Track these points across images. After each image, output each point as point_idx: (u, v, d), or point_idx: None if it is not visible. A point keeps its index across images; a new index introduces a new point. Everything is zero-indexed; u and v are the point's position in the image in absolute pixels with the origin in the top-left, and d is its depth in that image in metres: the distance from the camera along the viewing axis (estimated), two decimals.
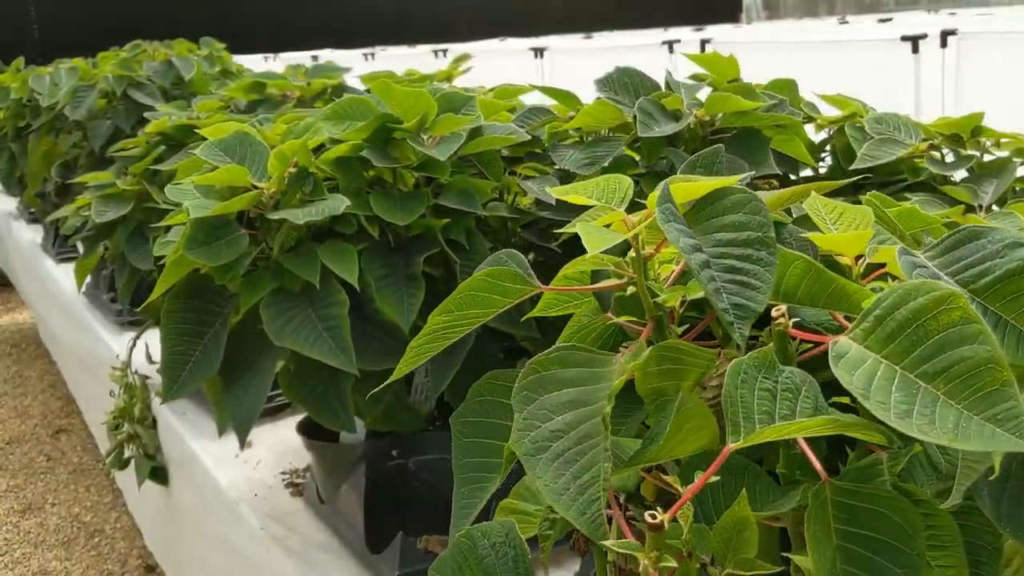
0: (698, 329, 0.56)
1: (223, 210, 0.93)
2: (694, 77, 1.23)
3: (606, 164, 0.97)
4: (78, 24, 6.22)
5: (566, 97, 1.22)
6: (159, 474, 1.71)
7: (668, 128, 0.95)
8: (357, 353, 0.98)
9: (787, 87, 1.18)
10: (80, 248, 1.84)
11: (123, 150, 1.74)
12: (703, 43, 2.85)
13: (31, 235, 3.48)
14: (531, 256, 1.23)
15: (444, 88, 1.13)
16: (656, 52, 2.89)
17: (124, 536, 2.76)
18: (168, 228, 1.09)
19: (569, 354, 0.52)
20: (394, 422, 1.12)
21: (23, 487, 3.35)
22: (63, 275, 2.81)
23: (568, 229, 0.58)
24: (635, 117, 1.00)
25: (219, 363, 1.01)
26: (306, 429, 1.21)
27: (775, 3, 8.49)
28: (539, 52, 3.12)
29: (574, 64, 2.96)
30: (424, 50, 3.94)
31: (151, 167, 1.54)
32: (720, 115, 1.04)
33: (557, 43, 3.21)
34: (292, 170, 1.00)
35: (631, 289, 0.55)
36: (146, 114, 1.75)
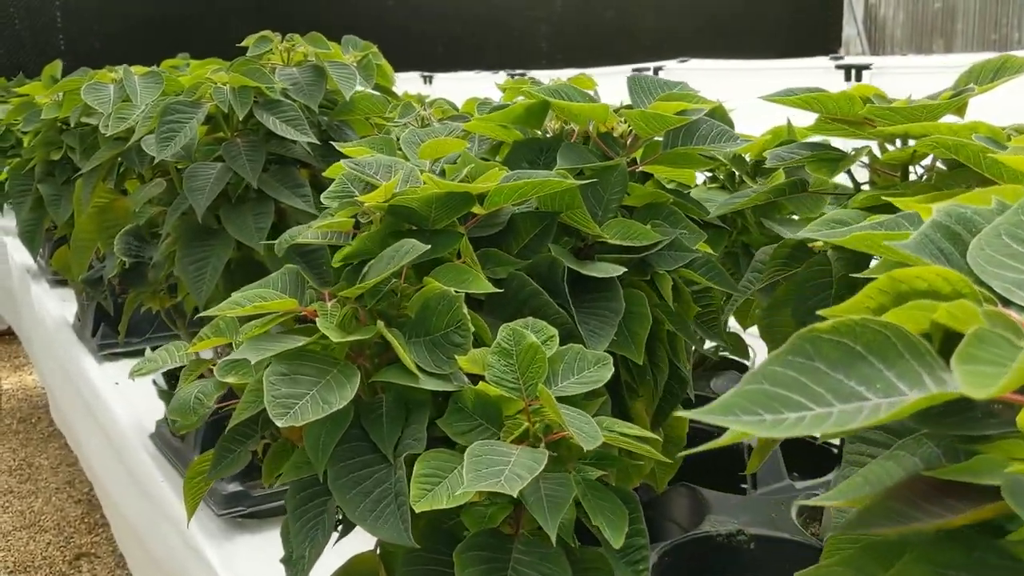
0: None
1: None
2: None
3: None
4: (114, 34, 5.35)
5: None
6: None
7: None
8: None
9: None
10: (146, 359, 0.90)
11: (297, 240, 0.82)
12: None
13: (56, 306, 2.48)
14: None
15: None
16: None
17: None
18: None
19: None
20: None
21: None
22: (106, 384, 1.85)
23: None
24: None
25: None
26: None
27: (880, 38, 7.58)
28: (853, 71, 2.25)
29: (903, 84, 2.10)
30: (618, 69, 3.05)
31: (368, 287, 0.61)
32: None
33: (879, 62, 2.35)
34: None
35: None
36: (345, 162, 0.83)
